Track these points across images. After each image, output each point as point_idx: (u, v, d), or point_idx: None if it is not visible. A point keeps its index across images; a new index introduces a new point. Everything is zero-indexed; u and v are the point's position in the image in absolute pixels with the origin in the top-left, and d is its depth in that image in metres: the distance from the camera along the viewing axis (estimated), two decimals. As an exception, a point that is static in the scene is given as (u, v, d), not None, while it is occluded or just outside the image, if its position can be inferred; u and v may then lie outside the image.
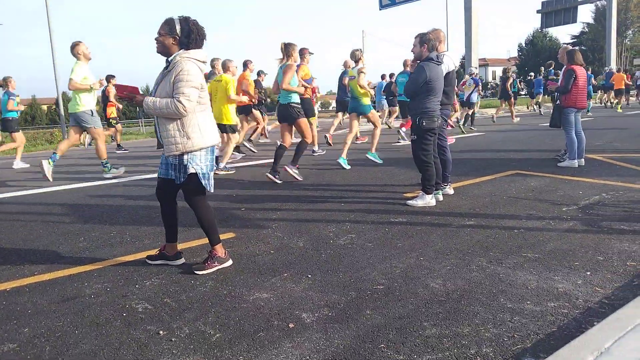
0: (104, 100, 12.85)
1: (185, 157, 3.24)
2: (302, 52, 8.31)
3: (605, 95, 23.72)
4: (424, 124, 4.99)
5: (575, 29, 57.34)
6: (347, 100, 9.58)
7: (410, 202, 5.16)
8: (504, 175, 6.56)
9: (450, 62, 5.44)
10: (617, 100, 20.61)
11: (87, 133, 8.12)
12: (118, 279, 3.37)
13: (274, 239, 4.15)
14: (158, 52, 3.27)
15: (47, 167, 6.98)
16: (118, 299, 3.04)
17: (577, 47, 7.55)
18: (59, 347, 2.49)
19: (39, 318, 2.81)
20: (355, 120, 8.27)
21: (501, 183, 6.09)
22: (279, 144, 7.03)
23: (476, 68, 18.49)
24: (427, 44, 5.01)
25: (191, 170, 3.25)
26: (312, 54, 8.67)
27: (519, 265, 3.31)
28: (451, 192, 5.60)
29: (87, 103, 7.29)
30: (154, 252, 3.71)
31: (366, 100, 7.95)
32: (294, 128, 7.18)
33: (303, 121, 6.92)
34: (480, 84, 17.24)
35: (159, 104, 3.18)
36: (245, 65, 10.13)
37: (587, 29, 57.51)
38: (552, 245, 3.68)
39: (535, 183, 5.98)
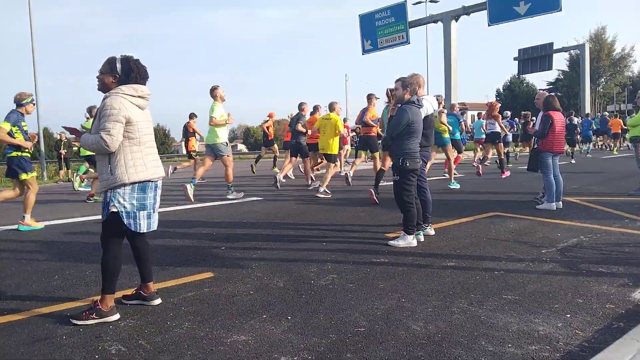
0: (185, 135, 14.12)
1: (108, 193, 3.18)
2: (370, 97, 10.11)
3: (600, 138, 24.80)
4: (407, 164, 5.06)
5: (551, 75, 59.25)
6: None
7: (392, 242, 5.16)
8: (484, 217, 6.62)
9: (429, 105, 5.57)
10: (614, 144, 21.82)
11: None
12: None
13: (254, 279, 4.08)
14: (99, 89, 3.28)
15: (190, 190, 8.41)
16: (91, 340, 2.93)
17: (553, 93, 7.79)
18: (25, 392, 2.37)
19: (5, 360, 2.70)
20: (434, 151, 10.33)
21: (481, 224, 6.14)
22: (379, 168, 8.72)
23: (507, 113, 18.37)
24: (409, 88, 5.18)
25: (112, 209, 3.16)
26: (378, 98, 10.27)
27: (499, 307, 3.31)
28: (432, 232, 5.62)
29: (222, 136, 8.76)
30: (129, 291, 3.62)
31: (446, 134, 10.17)
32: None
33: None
34: (514, 125, 18.24)
35: (89, 140, 3.17)
36: (316, 108, 12.73)
37: (562, 76, 59.61)
38: (532, 288, 3.68)
39: (514, 225, 6.04)
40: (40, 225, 6.71)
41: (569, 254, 4.63)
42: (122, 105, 3.13)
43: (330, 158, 9.78)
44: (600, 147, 25.02)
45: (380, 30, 30.06)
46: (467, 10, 26.87)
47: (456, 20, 27.52)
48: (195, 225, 6.63)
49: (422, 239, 5.32)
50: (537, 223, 6.12)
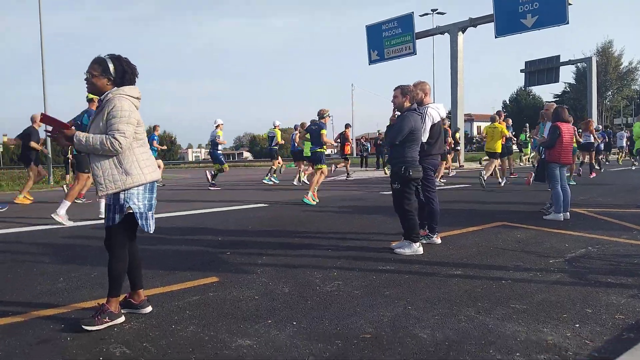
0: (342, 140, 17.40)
1: (122, 195, 3.09)
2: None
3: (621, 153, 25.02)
4: (410, 173, 5.01)
5: (558, 88, 59.39)
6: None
7: (398, 250, 5.09)
8: (491, 227, 6.58)
9: (436, 113, 5.54)
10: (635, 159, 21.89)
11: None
12: (96, 322, 3.24)
13: (259, 284, 4.06)
14: (89, 91, 3.24)
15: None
16: (95, 342, 2.92)
17: (564, 105, 7.76)
18: (29, 392, 2.36)
19: (10, 361, 2.68)
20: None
21: (488, 234, 6.09)
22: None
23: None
24: (408, 95, 5.16)
25: (129, 210, 3.12)
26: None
27: (507, 316, 3.27)
28: (438, 241, 5.58)
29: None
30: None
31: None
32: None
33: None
34: (605, 136, 19.43)
35: (92, 140, 3.03)
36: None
37: (569, 89, 59.57)
38: (540, 297, 3.64)
39: (521, 235, 6.00)
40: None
41: (576, 264, 4.58)
42: (132, 107, 3.13)
43: (496, 156, 13.04)
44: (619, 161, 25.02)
45: (387, 41, 30.11)
46: (474, 22, 26.87)
47: (463, 32, 27.50)
48: (202, 230, 6.63)
49: (421, 250, 5.14)
50: (545, 233, 6.07)
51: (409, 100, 5.15)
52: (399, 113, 5.26)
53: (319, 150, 9.95)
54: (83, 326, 3.07)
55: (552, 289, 3.84)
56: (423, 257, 4.96)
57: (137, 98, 3.23)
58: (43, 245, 5.75)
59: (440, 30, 28.87)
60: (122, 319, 3.21)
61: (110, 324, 3.13)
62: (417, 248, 5.07)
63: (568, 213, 7.15)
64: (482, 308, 3.43)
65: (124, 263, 3.22)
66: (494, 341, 2.86)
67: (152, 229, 3.23)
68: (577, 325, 3.09)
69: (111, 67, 3.11)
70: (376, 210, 8.48)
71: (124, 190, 3.08)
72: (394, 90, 5.24)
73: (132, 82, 3.21)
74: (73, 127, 3.16)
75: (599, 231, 6.12)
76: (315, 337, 2.96)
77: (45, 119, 3.16)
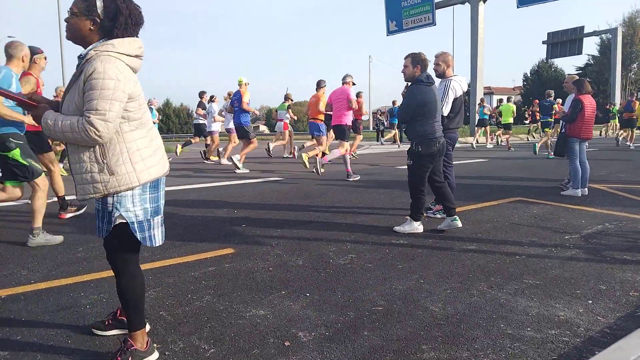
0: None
1: (109, 200, 2.20)
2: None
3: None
4: (421, 149, 4.80)
5: (580, 60, 57.85)
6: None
7: (397, 228, 4.96)
8: (507, 202, 6.53)
9: (459, 87, 5.43)
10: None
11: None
12: (114, 291, 3.29)
13: (273, 256, 4.12)
14: (68, 38, 2.20)
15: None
16: (113, 310, 3.00)
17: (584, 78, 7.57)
18: (50, 357, 2.45)
19: (32, 327, 2.78)
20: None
21: (503, 209, 6.06)
22: None
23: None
24: (420, 65, 4.83)
25: (119, 220, 2.22)
26: None
27: (520, 291, 3.27)
28: (453, 216, 5.56)
29: None
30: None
31: None
32: None
33: None
34: None
35: (61, 125, 2.10)
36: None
37: (592, 61, 58.00)
38: (554, 273, 3.63)
39: (537, 210, 5.95)
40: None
41: (593, 240, 4.55)
42: (121, 73, 2.09)
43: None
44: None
45: (405, 11, 29.48)
46: (496, -8, 26.15)
47: (484, 2, 26.79)
48: (218, 203, 6.70)
49: (459, 224, 4.99)
50: (561, 209, 6.02)
51: (420, 69, 4.82)
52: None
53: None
54: None
55: (567, 265, 3.83)
56: (437, 231, 4.96)
57: (136, 56, 2.22)
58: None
59: (460, 0, 28.17)
60: (155, 356, 2.41)
61: None
62: (417, 226, 4.94)
63: (586, 189, 7.05)
64: (495, 283, 3.44)
65: (138, 280, 2.39)
66: (505, 315, 2.88)
67: (158, 241, 2.35)
68: (590, 302, 3.08)
69: (99, 4, 2.11)
70: (390, 184, 8.46)
71: (111, 195, 2.19)
72: (405, 59, 4.92)
73: (129, 32, 2.18)
74: (42, 103, 2.23)
75: (617, 207, 6.04)
76: (327, 309, 3.00)
77: (5, 93, 2.28)
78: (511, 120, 18.15)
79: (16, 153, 4.39)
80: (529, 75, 62.02)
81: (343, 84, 9.03)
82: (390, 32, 30.92)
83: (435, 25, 28.87)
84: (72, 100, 2.13)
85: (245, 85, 10.79)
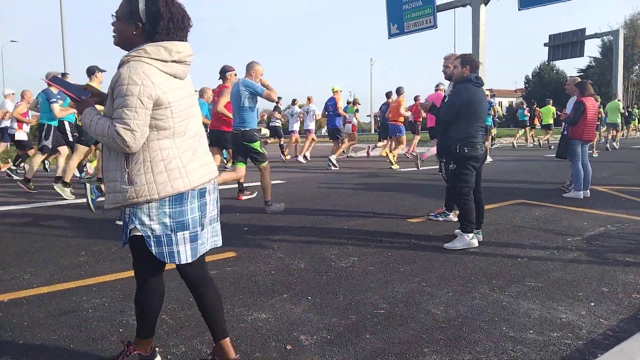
0: None
1: (127, 210, 2.09)
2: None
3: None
4: (466, 151, 4.43)
5: (582, 62, 57.80)
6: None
7: (447, 245, 4.44)
8: (509, 204, 6.53)
9: None
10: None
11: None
12: (116, 295, 3.34)
13: (275, 259, 4.12)
14: (115, 44, 2.12)
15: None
16: (115, 314, 3.01)
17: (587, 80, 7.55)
18: (53, 361, 2.45)
19: (34, 331, 2.79)
20: None
21: (506, 212, 6.05)
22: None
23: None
24: (469, 65, 4.55)
25: (133, 232, 2.09)
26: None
27: (522, 294, 3.27)
28: (455, 219, 5.56)
29: None
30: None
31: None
32: None
33: None
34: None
35: (95, 126, 2.04)
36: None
37: (594, 63, 57.96)
38: (556, 275, 3.63)
39: (539, 213, 5.94)
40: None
41: (595, 242, 4.54)
42: (147, 78, 1.96)
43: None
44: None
45: (407, 14, 29.48)
46: (496, -6, 26.13)
47: (485, 4, 26.74)
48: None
49: (479, 239, 4.59)
50: (563, 211, 6.01)
51: (469, 70, 4.54)
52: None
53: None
54: None
55: (569, 267, 3.82)
56: (439, 234, 4.96)
57: (175, 62, 2.06)
58: (66, 220, 5.88)
59: (461, 3, 28.10)
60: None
61: None
62: (471, 240, 4.43)
63: (588, 191, 7.05)
64: (497, 285, 3.43)
65: (153, 299, 2.29)
66: (507, 318, 2.88)
67: (185, 258, 2.13)
68: (593, 304, 3.08)
69: (141, 6, 2.00)
70: (392, 187, 8.46)
71: (129, 206, 2.07)
72: (454, 59, 4.67)
73: (172, 37, 2.05)
74: (84, 98, 2.17)
75: (619, 209, 6.03)
76: (329, 312, 3.00)
77: (56, 82, 2.21)
78: (551, 121, 18.82)
79: (258, 144, 6.10)
80: (530, 77, 62.01)
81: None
82: (391, 35, 30.88)
83: (436, 28, 28.83)
84: (109, 105, 2.05)
85: (339, 92, 12.68)
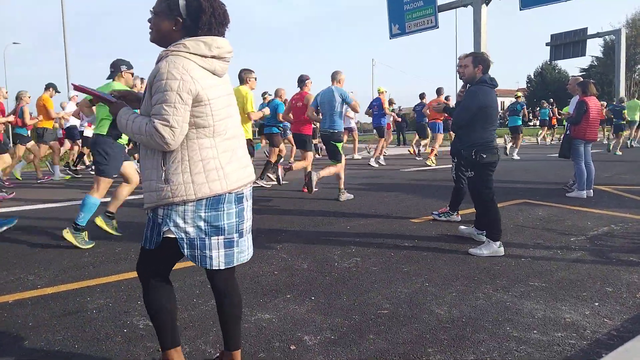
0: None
1: (160, 212, 2.01)
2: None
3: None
4: (484, 157, 4.25)
5: (584, 62, 57.66)
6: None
7: (473, 250, 4.28)
8: (512, 204, 6.52)
9: None
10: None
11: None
12: (120, 295, 3.35)
13: (278, 260, 4.12)
14: (152, 40, 2.06)
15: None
16: (119, 314, 3.01)
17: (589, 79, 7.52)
18: (57, 361, 2.46)
19: (39, 331, 2.79)
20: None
21: (509, 211, 6.04)
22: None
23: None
24: (482, 65, 4.37)
25: (167, 234, 2.01)
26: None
27: (525, 294, 3.27)
28: (458, 219, 5.57)
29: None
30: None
31: None
32: None
33: None
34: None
35: (132, 125, 1.99)
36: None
37: (596, 63, 57.86)
38: (560, 275, 3.62)
39: (543, 212, 5.94)
40: None
41: (598, 242, 4.53)
42: (187, 73, 1.89)
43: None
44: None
45: (408, 14, 29.43)
46: (498, -6, 26.11)
47: (487, 4, 26.69)
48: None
49: (502, 251, 4.29)
50: (567, 211, 6.00)
51: (481, 70, 4.35)
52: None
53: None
54: None
55: (572, 267, 3.82)
56: (442, 234, 4.96)
57: (216, 57, 2.00)
58: (70, 221, 5.89)
59: (463, 3, 28.07)
60: None
61: None
62: (497, 248, 4.23)
63: (591, 190, 7.04)
64: (500, 285, 3.43)
65: (156, 300, 2.15)
66: (510, 318, 2.87)
67: (218, 264, 2.06)
68: (597, 304, 3.07)
69: (181, 2, 1.95)
70: (395, 187, 8.46)
71: (163, 207, 1.99)
72: (464, 58, 4.48)
73: (213, 32, 2.00)
74: (115, 100, 2.17)
75: (622, 209, 6.02)
76: (333, 312, 3.00)
77: (82, 89, 2.29)
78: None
79: (341, 144, 7.01)
80: (532, 77, 61.92)
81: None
82: (393, 36, 30.82)
83: (438, 28, 28.75)
84: (146, 103, 1.98)
85: (384, 92, 13.34)
